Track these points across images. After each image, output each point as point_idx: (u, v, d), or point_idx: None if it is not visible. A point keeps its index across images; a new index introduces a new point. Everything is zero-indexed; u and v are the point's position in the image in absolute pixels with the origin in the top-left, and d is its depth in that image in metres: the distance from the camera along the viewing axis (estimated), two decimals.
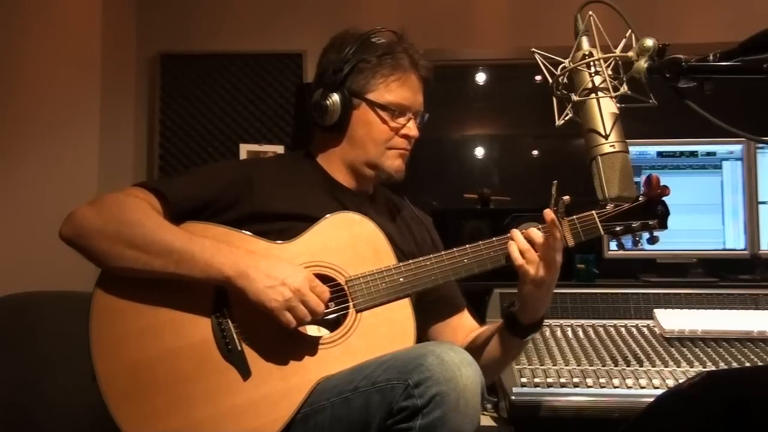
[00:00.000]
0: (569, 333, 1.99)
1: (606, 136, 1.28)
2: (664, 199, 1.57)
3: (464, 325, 1.73)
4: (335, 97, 1.60)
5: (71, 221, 1.44)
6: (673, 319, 1.97)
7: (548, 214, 1.47)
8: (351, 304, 1.48)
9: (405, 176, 1.67)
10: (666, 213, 1.57)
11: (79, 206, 1.46)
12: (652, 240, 1.57)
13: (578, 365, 1.78)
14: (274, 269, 1.40)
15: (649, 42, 1.16)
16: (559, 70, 1.33)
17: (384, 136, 1.62)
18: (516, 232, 1.50)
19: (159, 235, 1.41)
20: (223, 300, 1.44)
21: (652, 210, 1.56)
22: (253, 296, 1.39)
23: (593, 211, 1.55)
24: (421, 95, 1.66)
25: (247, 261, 1.40)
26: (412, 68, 1.63)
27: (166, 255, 1.40)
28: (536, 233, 1.48)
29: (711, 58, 1.08)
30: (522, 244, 1.48)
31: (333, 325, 1.48)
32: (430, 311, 1.54)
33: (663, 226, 1.56)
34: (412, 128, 1.64)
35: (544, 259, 1.47)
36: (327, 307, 1.44)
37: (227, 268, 1.39)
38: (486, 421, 1.70)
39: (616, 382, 1.68)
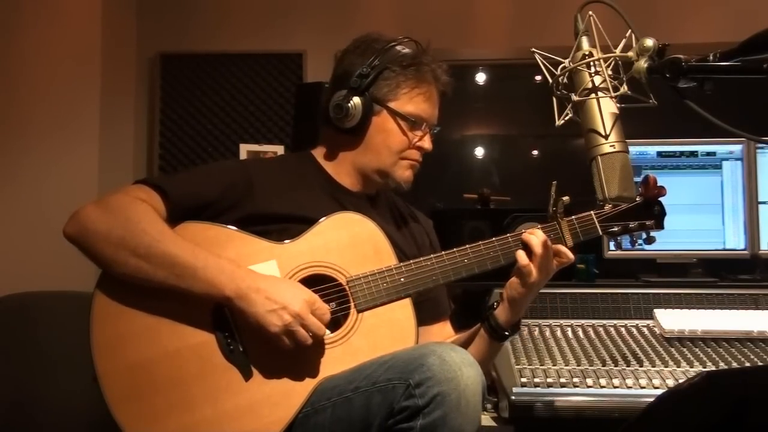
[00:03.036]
0: (569, 333, 1.99)
1: (606, 136, 1.28)
2: (661, 199, 1.58)
3: (444, 333, 1.74)
4: (357, 101, 1.60)
5: (76, 220, 1.44)
6: (673, 319, 1.97)
7: (567, 252, 1.50)
8: (352, 304, 1.48)
9: None
10: (663, 213, 1.58)
11: (85, 205, 1.46)
12: (649, 240, 1.58)
13: (578, 365, 1.78)
14: (275, 292, 1.40)
15: (649, 42, 1.16)
16: (559, 70, 1.33)
17: (400, 145, 1.63)
18: (527, 235, 1.50)
19: (163, 246, 1.41)
20: None
21: (650, 210, 1.57)
22: (252, 319, 1.39)
23: (592, 212, 1.56)
24: (437, 109, 1.68)
25: (248, 282, 1.40)
26: (435, 82, 1.65)
27: (168, 267, 1.39)
28: (543, 236, 1.49)
29: (711, 58, 1.09)
30: (536, 248, 1.48)
31: (334, 325, 1.48)
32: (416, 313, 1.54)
33: (660, 226, 1.57)
34: (427, 141, 1.65)
35: (545, 264, 1.48)
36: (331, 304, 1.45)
37: (228, 289, 1.39)
38: (486, 421, 1.70)
39: (616, 382, 1.68)
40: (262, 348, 1.42)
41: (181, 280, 1.40)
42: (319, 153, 1.71)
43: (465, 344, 1.59)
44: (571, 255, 1.51)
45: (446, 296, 1.78)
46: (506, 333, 1.55)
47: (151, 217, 1.44)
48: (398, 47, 1.64)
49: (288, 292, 1.41)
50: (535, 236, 1.49)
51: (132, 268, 1.40)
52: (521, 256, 1.49)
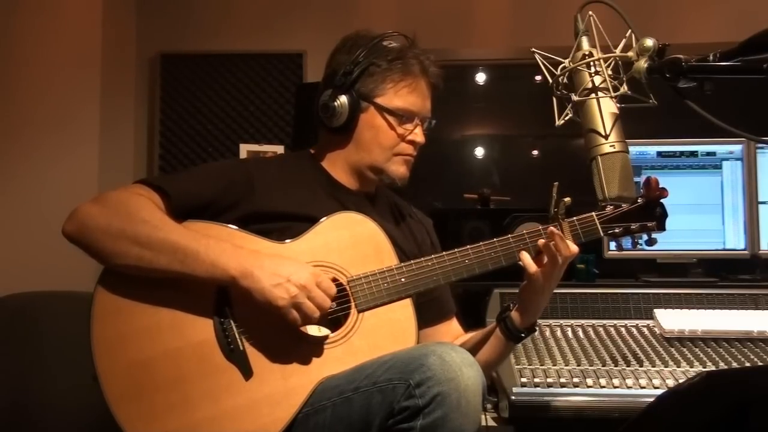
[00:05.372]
0: (569, 333, 1.99)
1: (606, 136, 1.28)
2: (662, 200, 1.58)
3: (451, 331, 1.75)
4: (343, 99, 1.59)
5: (75, 218, 1.44)
6: (673, 319, 1.97)
7: (572, 248, 1.47)
8: (353, 304, 1.48)
9: None
10: (664, 215, 1.58)
11: (83, 203, 1.46)
12: (650, 242, 1.58)
13: (578, 365, 1.78)
14: (278, 267, 1.40)
15: (649, 42, 1.16)
16: (559, 70, 1.33)
17: (390, 141, 1.62)
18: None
19: (164, 232, 1.41)
20: (224, 299, 1.44)
21: (651, 212, 1.57)
22: (259, 296, 1.38)
23: (593, 213, 1.56)
24: (429, 102, 1.66)
25: (252, 261, 1.40)
26: (423, 74, 1.63)
27: (170, 253, 1.39)
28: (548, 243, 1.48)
29: (711, 58, 1.08)
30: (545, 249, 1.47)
31: (335, 325, 1.48)
32: (420, 313, 1.55)
33: (661, 228, 1.57)
34: (418, 134, 1.64)
35: (555, 267, 1.47)
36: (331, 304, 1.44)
37: (232, 268, 1.39)
38: (486, 421, 1.70)
39: (616, 382, 1.68)
40: (263, 346, 1.42)
41: (184, 265, 1.39)
42: (316, 152, 1.71)
43: (479, 344, 1.59)
44: (573, 248, 1.48)
45: (450, 295, 1.77)
46: (522, 335, 1.55)
47: (150, 207, 1.45)
48: (384, 42, 1.62)
49: (292, 266, 1.41)
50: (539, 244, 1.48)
51: (134, 258, 1.40)
52: (528, 263, 1.48)
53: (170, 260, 1.39)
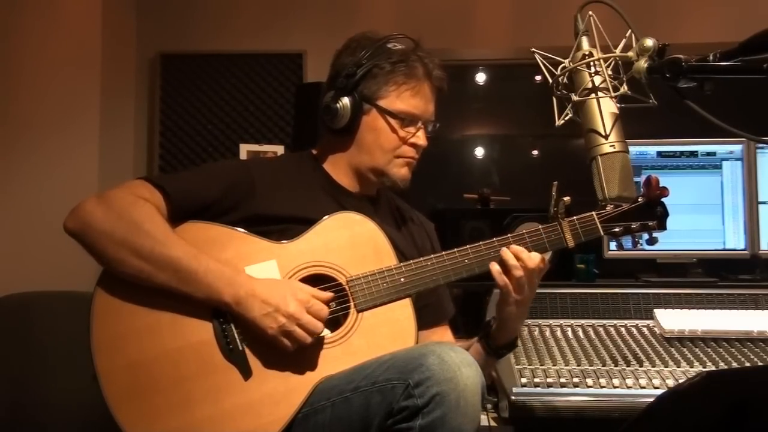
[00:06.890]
0: (569, 333, 1.99)
1: (606, 136, 1.28)
2: (663, 200, 1.58)
3: (444, 338, 1.75)
4: (345, 101, 1.59)
5: (77, 215, 1.44)
6: (673, 319, 1.97)
7: (535, 257, 1.49)
8: (352, 303, 1.48)
9: None
10: (665, 214, 1.58)
11: (87, 200, 1.45)
12: (651, 241, 1.58)
13: (578, 365, 1.78)
14: (269, 295, 1.40)
15: (649, 42, 1.16)
16: (559, 70, 1.33)
17: (392, 143, 1.62)
18: (504, 250, 1.50)
19: (166, 249, 1.41)
20: None
21: (652, 211, 1.57)
22: (251, 324, 1.40)
23: (593, 212, 1.56)
24: (432, 105, 1.65)
25: (246, 288, 1.41)
26: (426, 77, 1.62)
27: (170, 271, 1.40)
28: (523, 252, 1.50)
29: (711, 58, 1.09)
30: (510, 261, 1.49)
31: (334, 325, 1.48)
32: (418, 317, 1.55)
33: (662, 227, 1.57)
34: (420, 137, 1.63)
35: (528, 278, 1.50)
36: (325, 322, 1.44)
37: (227, 294, 1.40)
38: (486, 421, 1.70)
39: (616, 382, 1.68)
40: (262, 347, 1.42)
41: (182, 284, 1.40)
42: (318, 153, 1.71)
43: None
44: (541, 263, 1.51)
45: (449, 301, 1.78)
46: (502, 351, 1.60)
47: (155, 218, 1.44)
48: (389, 45, 1.62)
49: (281, 293, 1.41)
50: (508, 252, 1.50)
51: (134, 269, 1.41)
52: (498, 277, 1.50)
53: (169, 278, 1.40)
